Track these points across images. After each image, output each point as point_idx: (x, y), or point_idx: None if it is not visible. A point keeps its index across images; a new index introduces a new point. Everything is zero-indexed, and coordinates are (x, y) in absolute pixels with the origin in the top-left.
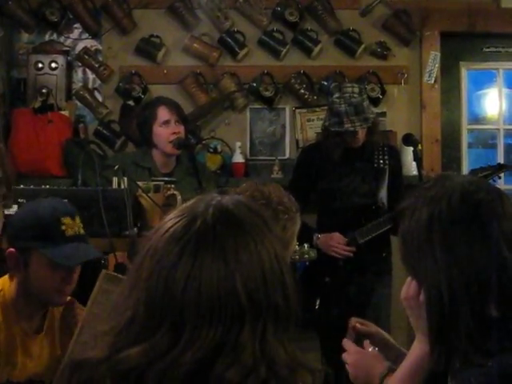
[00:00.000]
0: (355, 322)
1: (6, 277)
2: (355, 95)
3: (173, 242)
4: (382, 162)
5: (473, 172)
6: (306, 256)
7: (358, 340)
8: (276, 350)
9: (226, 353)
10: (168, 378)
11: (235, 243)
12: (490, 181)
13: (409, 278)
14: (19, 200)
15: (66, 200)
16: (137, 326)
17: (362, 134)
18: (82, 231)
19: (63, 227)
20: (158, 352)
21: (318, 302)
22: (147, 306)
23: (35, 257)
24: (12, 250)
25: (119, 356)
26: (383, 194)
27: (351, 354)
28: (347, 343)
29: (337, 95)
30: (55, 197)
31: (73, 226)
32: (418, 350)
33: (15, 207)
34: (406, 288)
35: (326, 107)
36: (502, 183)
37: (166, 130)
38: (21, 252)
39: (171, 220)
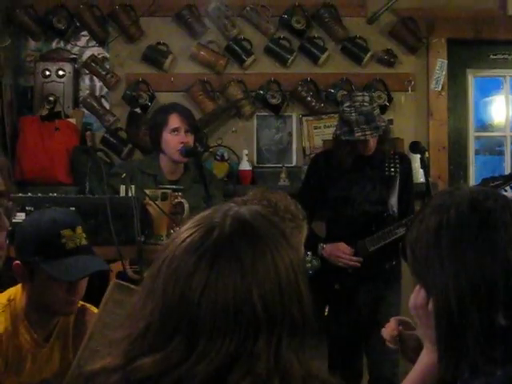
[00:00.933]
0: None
1: (19, 286)
2: (365, 104)
3: (190, 251)
4: (392, 169)
5: (484, 181)
6: (309, 265)
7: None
8: (290, 363)
9: (240, 364)
10: None
11: (252, 254)
12: (502, 190)
13: (417, 287)
14: (27, 208)
15: (73, 208)
16: (151, 334)
17: (372, 143)
18: (83, 242)
19: (63, 240)
20: (172, 362)
21: (327, 309)
22: (162, 315)
23: (38, 270)
24: (18, 262)
25: (133, 365)
26: (394, 201)
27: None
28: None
29: (347, 104)
30: (60, 205)
31: (73, 238)
32: (426, 359)
33: (22, 215)
34: (415, 296)
35: (333, 115)
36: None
37: (174, 138)
38: (25, 265)
39: (188, 230)
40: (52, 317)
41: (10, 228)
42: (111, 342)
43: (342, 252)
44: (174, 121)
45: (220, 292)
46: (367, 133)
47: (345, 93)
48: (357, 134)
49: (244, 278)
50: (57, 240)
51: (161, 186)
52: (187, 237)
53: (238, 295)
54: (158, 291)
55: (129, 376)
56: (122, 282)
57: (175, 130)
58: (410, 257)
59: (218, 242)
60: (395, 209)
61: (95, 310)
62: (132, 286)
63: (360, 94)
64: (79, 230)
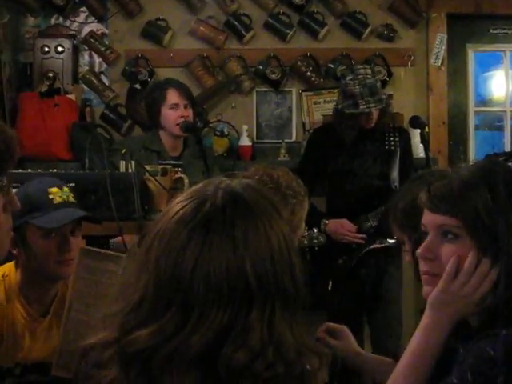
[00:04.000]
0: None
1: (12, 263)
2: (369, 76)
3: (182, 224)
4: (392, 143)
5: (488, 157)
6: (315, 241)
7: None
8: (284, 333)
9: (234, 335)
10: (176, 360)
11: (244, 226)
12: None
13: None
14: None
15: (73, 184)
16: (146, 307)
17: (375, 116)
18: (71, 199)
19: (50, 196)
20: (166, 334)
21: (330, 284)
22: (156, 287)
23: (29, 231)
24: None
25: (128, 338)
26: (395, 175)
27: None
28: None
29: (350, 77)
30: (61, 180)
31: (61, 194)
32: (435, 335)
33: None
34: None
35: (332, 90)
36: None
37: (174, 113)
38: (17, 232)
39: (180, 203)
40: (48, 288)
41: None
42: (105, 315)
43: (346, 229)
44: (172, 96)
45: (212, 264)
46: (371, 105)
47: (344, 68)
48: (361, 107)
49: (236, 250)
50: (44, 196)
51: (161, 162)
52: (179, 209)
53: (231, 267)
54: (151, 264)
55: (124, 349)
56: (89, 248)
57: (174, 105)
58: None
59: (209, 214)
60: (397, 183)
61: None
62: (100, 251)
63: (361, 66)
64: (66, 189)
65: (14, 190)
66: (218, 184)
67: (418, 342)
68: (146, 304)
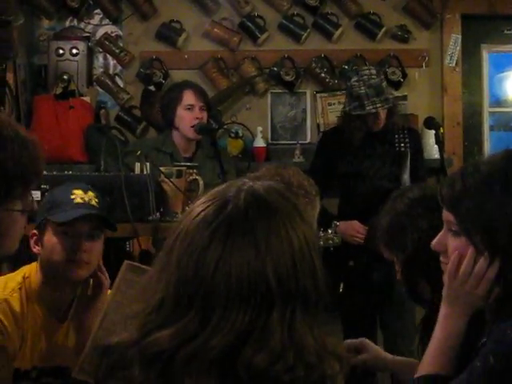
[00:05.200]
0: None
1: (34, 264)
2: (373, 77)
3: (204, 225)
4: (402, 145)
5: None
6: (331, 242)
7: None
8: (304, 337)
9: (255, 338)
10: (196, 361)
11: (266, 228)
12: None
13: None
14: (42, 186)
15: (88, 185)
16: (166, 308)
17: (383, 116)
18: (93, 202)
19: (73, 196)
20: (187, 335)
21: (341, 286)
22: (177, 288)
23: (47, 228)
24: (33, 231)
25: (148, 339)
26: (406, 177)
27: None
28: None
29: (355, 79)
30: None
31: (83, 196)
32: (451, 322)
33: (38, 193)
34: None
35: (345, 92)
36: None
37: (189, 115)
38: (38, 229)
39: (202, 204)
40: (64, 291)
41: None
42: (126, 317)
43: (356, 231)
44: (189, 97)
45: (234, 266)
46: (378, 105)
47: (353, 69)
48: (368, 108)
49: (258, 251)
50: (66, 196)
51: (176, 164)
52: (201, 211)
53: (252, 269)
54: (173, 265)
55: (144, 350)
56: (133, 263)
57: (190, 106)
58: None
59: (232, 216)
60: (408, 184)
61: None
62: (144, 267)
63: (366, 67)
64: (91, 194)
65: (36, 194)
66: (241, 186)
67: (438, 332)
68: (167, 305)
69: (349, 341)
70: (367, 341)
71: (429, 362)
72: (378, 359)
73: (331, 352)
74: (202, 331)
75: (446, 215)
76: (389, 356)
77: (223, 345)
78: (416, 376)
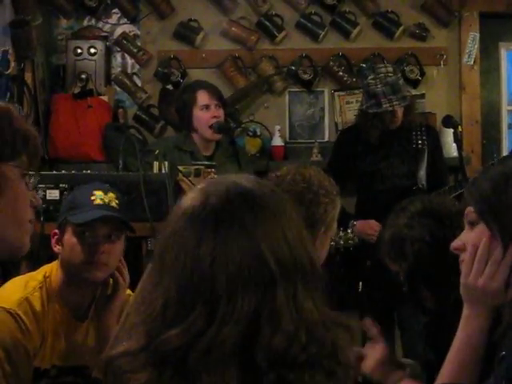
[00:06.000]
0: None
1: (55, 263)
2: (390, 74)
3: (191, 222)
4: (420, 142)
5: None
6: (351, 242)
7: None
8: (310, 311)
9: (266, 321)
10: (212, 355)
11: (254, 215)
12: None
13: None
14: (60, 185)
15: (107, 185)
16: (171, 310)
17: (400, 114)
18: (113, 204)
19: (93, 197)
20: (197, 330)
21: (360, 285)
22: (178, 289)
23: (67, 228)
24: (55, 230)
25: (158, 340)
26: (422, 175)
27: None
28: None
29: (372, 76)
30: (96, 182)
31: (103, 197)
32: (475, 323)
33: (56, 192)
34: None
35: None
36: None
37: (205, 114)
38: (59, 229)
39: (186, 201)
40: (84, 292)
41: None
42: (131, 326)
43: (373, 230)
44: (203, 97)
45: (230, 255)
46: (395, 103)
47: (368, 68)
48: (384, 106)
49: (250, 237)
50: (87, 197)
51: (194, 163)
52: (186, 208)
53: (248, 254)
54: (169, 267)
55: (156, 350)
56: None
57: (205, 106)
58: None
59: (216, 207)
60: (424, 182)
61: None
62: None
63: (382, 65)
64: (112, 195)
65: (55, 193)
66: (223, 180)
67: (460, 333)
68: (171, 306)
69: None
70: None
71: (449, 368)
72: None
73: (336, 321)
74: (210, 325)
75: (468, 209)
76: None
77: (235, 335)
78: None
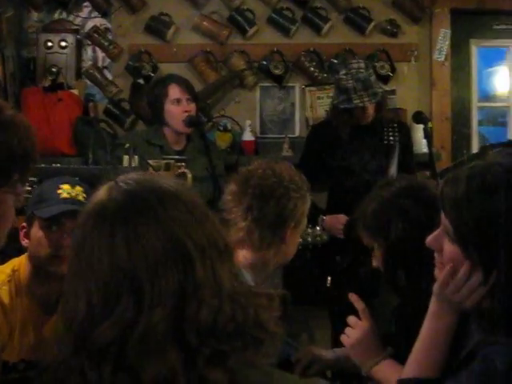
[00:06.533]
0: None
1: (23, 256)
2: (361, 70)
3: (101, 217)
4: (391, 138)
5: (483, 149)
6: (319, 238)
7: None
8: (230, 284)
9: (190, 299)
10: (149, 342)
11: (164, 206)
12: None
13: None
14: (30, 178)
15: (76, 178)
16: (96, 308)
17: (371, 110)
18: (80, 198)
19: (59, 191)
20: (127, 321)
21: (329, 281)
22: (99, 285)
23: (34, 222)
24: (23, 224)
25: (89, 340)
26: (393, 170)
27: (358, 331)
28: (355, 321)
29: (343, 72)
30: (66, 175)
31: (70, 191)
32: (447, 318)
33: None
34: (464, 273)
35: (334, 85)
36: None
37: (177, 108)
38: (27, 222)
39: (94, 199)
40: (51, 285)
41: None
42: (59, 335)
43: (342, 224)
44: (174, 91)
45: (146, 243)
46: (365, 99)
47: (340, 63)
48: (355, 102)
49: (163, 224)
50: (53, 191)
51: (165, 157)
52: (95, 204)
53: (164, 239)
54: (86, 266)
55: (90, 349)
56: None
57: (177, 100)
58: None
59: (126, 201)
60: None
61: None
62: None
63: (355, 60)
64: (79, 188)
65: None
66: (132, 175)
67: (427, 328)
68: (96, 304)
69: (297, 358)
70: (315, 351)
71: (415, 362)
72: (328, 364)
73: (257, 292)
74: (140, 313)
75: (444, 218)
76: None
77: (166, 317)
78: (401, 377)
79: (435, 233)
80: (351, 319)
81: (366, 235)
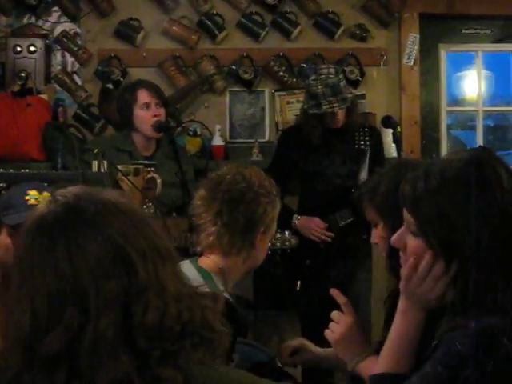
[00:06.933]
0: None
1: None
2: (331, 76)
3: (41, 229)
4: (362, 143)
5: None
6: (287, 243)
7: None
8: (174, 286)
9: (135, 302)
10: (100, 350)
11: (102, 215)
12: None
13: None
14: None
15: (45, 184)
16: (41, 319)
17: (341, 115)
18: None
19: (27, 197)
20: (75, 328)
21: (298, 284)
22: (43, 297)
23: (2, 229)
24: None
25: (40, 348)
26: (364, 175)
27: (342, 326)
28: (339, 316)
29: (313, 77)
30: (33, 181)
31: (37, 197)
32: (411, 317)
33: None
34: (429, 261)
35: (304, 90)
36: None
37: (146, 113)
38: None
39: (35, 213)
40: None
41: None
42: (5, 351)
43: (315, 225)
44: (144, 96)
45: (87, 252)
46: (334, 105)
47: (311, 68)
48: (324, 107)
49: (103, 232)
50: (21, 197)
51: (134, 162)
52: (36, 218)
53: (105, 247)
54: (29, 279)
55: (42, 358)
56: None
57: (146, 105)
58: (414, 217)
59: (66, 213)
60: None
61: None
62: None
63: (325, 66)
64: (47, 194)
65: None
66: (72, 188)
67: (396, 325)
68: (42, 316)
69: (286, 343)
70: (306, 342)
71: (386, 359)
72: (316, 358)
73: (202, 293)
74: (87, 321)
75: (406, 215)
76: (326, 352)
77: (113, 323)
78: (373, 374)
79: (399, 232)
80: (335, 314)
81: (372, 212)
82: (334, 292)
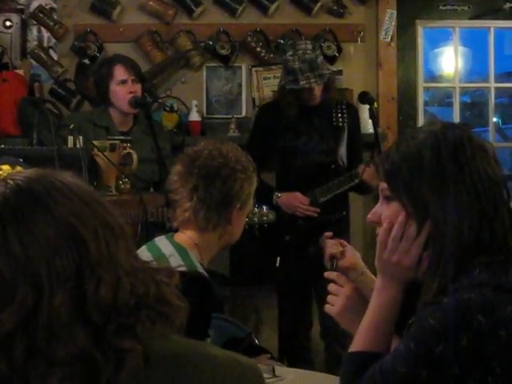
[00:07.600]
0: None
1: None
2: (308, 52)
3: None
4: (340, 120)
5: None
6: (265, 218)
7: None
8: (127, 260)
9: (88, 277)
10: (57, 324)
11: (53, 196)
12: None
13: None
14: None
15: (21, 159)
16: None
17: (318, 91)
18: None
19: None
20: (29, 306)
21: (278, 260)
22: None
23: None
24: None
25: None
26: (342, 152)
27: (341, 297)
28: (342, 280)
29: (290, 53)
30: (8, 157)
31: (10, 171)
32: (385, 295)
33: None
34: (400, 223)
35: (282, 65)
36: None
37: (123, 89)
38: None
39: None
40: None
41: None
42: None
43: (299, 201)
44: (120, 72)
45: (37, 232)
46: (311, 80)
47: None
48: (301, 83)
49: (53, 212)
50: None
51: (110, 137)
52: None
53: (55, 225)
54: None
55: None
56: None
57: (122, 81)
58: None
59: (15, 196)
60: (344, 160)
61: None
62: None
63: (303, 42)
64: (19, 168)
65: None
66: (24, 171)
67: (373, 301)
68: None
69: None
70: (348, 246)
71: (362, 336)
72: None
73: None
74: (40, 298)
75: (381, 184)
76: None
77: (68, 299)
78: (349, 351)
79: (374, 209)
80: (332, 287)
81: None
82: (326, 275)
